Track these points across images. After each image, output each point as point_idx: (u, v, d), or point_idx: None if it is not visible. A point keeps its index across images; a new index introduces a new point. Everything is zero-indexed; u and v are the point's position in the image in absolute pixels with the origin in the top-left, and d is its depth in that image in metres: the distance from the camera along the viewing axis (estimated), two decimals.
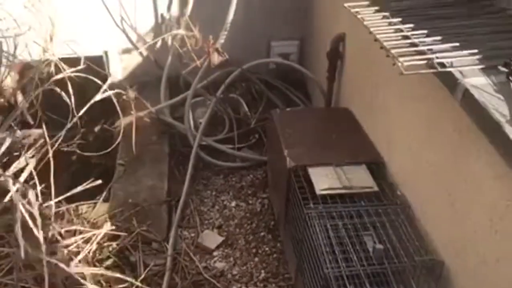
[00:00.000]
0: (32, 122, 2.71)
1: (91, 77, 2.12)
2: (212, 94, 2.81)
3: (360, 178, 1.87)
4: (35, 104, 2.37)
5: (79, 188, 1.92)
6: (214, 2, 2.82)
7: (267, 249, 2.21)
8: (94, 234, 1.93)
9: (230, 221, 2.34)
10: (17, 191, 1.51)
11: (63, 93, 2.04)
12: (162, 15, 2.89)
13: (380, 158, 1.97)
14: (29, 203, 1.52)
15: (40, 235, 1.51)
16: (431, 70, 1.32)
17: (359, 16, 1.53)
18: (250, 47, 2.99)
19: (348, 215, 1.73)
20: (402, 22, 1.49)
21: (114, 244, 2.06)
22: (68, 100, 2.01)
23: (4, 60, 2.55)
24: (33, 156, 2.08)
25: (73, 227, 2.04)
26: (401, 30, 1.46)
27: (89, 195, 2.25)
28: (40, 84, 2.46)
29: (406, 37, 1.43)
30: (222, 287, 2.04)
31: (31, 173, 1.78)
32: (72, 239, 1.88)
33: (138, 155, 2.57)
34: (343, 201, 1.78)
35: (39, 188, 1.78)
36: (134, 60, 3.03)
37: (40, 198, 1.73)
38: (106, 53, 2.95)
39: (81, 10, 2.74)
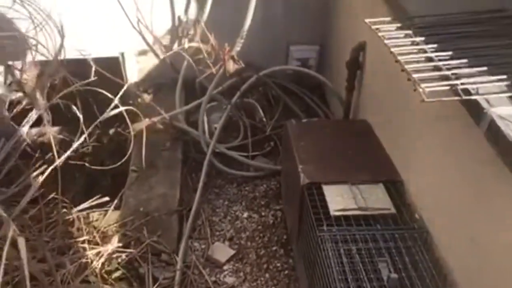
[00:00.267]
0: (49, 122, 2.73)
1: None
2: (228, 100, 2.75)
3: (376, 198, 1.79)
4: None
5: (86, 204, 1.90)
6: (232, 4, 2.76)
7: (278, 264, 2.15)
8: (101, 251, 1.90)
9: (241, 234, 2.29)
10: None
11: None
12: (179, 17, 2.84)
13: (398, 177, 1.88)
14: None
15: None
16: (455, 98, 1.24)
17: (380, 34, 1.45)
18: (268, 51, 2.92)
19: (363, 239, 1.66)
20: (425, 42, 1.40)
21: (123, 255, 2.04)
22: (77, 112, 2.02)
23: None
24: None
25: (83, 238, 2.02)
26: (424, 51, 1.37)
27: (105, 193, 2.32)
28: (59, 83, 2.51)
29: (429, 59, 1.34)
30: None
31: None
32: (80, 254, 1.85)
33: (151, 161, 2.54)
34: (358, 222, 1.71)
35: None
36: (150, 62, 2.99)
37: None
38: (122, 54, 2.94)
39: (98, 12, 2.71)
